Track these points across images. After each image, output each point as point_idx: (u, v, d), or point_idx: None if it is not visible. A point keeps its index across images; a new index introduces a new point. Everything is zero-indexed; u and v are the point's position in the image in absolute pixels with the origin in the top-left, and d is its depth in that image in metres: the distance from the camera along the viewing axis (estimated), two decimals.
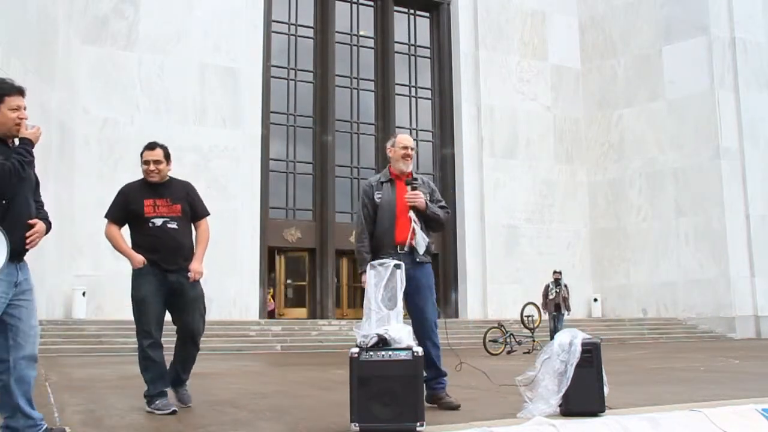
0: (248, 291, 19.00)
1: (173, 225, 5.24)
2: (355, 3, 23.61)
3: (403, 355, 3.84)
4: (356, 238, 5.07)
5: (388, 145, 5.19)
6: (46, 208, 3.73)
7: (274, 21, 21.92)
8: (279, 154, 21.68)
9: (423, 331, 4.85)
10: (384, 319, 4.18)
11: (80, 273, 16.69)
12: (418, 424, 3.73)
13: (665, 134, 22.51)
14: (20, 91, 3.48)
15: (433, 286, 5.04)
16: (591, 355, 4.28)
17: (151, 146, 5.37)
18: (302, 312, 21.56)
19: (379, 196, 5.01)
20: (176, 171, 17.96)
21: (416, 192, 4.92)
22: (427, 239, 4.90)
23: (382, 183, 5.08)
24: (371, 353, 3.84)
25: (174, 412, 4.79)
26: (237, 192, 19.36)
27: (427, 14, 24.53)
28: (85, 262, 16.91)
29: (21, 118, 3.44)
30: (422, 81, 24.15)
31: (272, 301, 21.10)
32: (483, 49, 23.21)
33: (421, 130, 23.88)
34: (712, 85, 21.57)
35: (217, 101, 19.55)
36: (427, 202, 4.96)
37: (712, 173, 21.33)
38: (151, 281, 5.03)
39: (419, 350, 3.87)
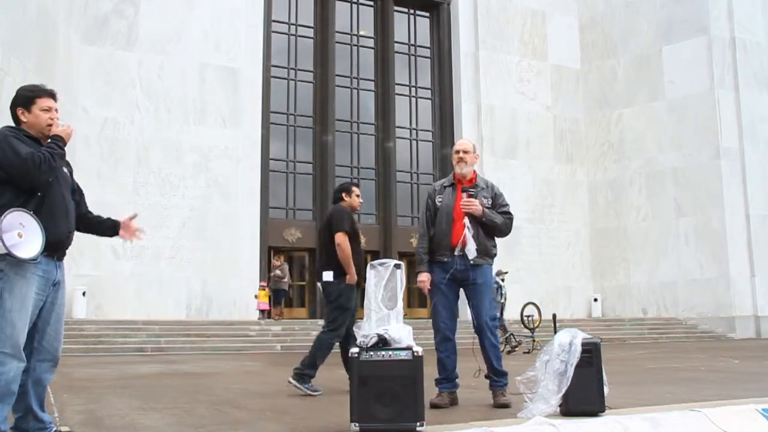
0: (248, 291, 18.97)
1: None
2: (355, 3, 23.61)
3: (403, 355, 3.84)
4: (418, 240, 5.31)
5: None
6: None
7: (274, 21, 21.91)
8: (279, 154, 21.67)
9: (479, 331, 5.09)
10: (384, 319, 4.19)
11: (80, 273, 16.69)
12: (417, 424, 3.74)
13: (665, 134, 22.50)
14: (51, 94, 3.64)
15: (490, 285, 5.20)
16: (591, 355, 4.28)
17: (358, 183, 6.56)
18: (302, 312, 21.55)
19: (440, 199, 5.20)
20: (176, 171, 18.25)
21: (471, 200, 5.05)
22: (474, 245, 4.99)
23: (444, 187, 5.27)
24: (371, 353, 3.84)
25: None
26: (237, 192, 19.34)
27: (427, 14, 24.53)
28: (85, 262, 16.91)
29: (52, 119, 3.59)
30: (422, 81, 24.14)
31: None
32: (483, 49, 23.20)
33: (421, 130, 23.89)
34: (712, 85, 21.56)
35: (217, 101, 19.54)
36: (485, 209, 5.06)
37: (712, 173, 21.32)
38: (355, 295, 6.11)
39: (419, 350, 3.88)
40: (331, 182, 21.68)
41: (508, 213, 5.20)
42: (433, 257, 5.10)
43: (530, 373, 4.40)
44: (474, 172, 5.29)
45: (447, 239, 5.04)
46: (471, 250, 4.97)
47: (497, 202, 5.18)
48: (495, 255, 5.21)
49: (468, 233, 4.98)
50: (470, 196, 5.05)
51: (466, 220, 5.00)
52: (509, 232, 5.24)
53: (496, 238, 5.22)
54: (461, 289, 5.16)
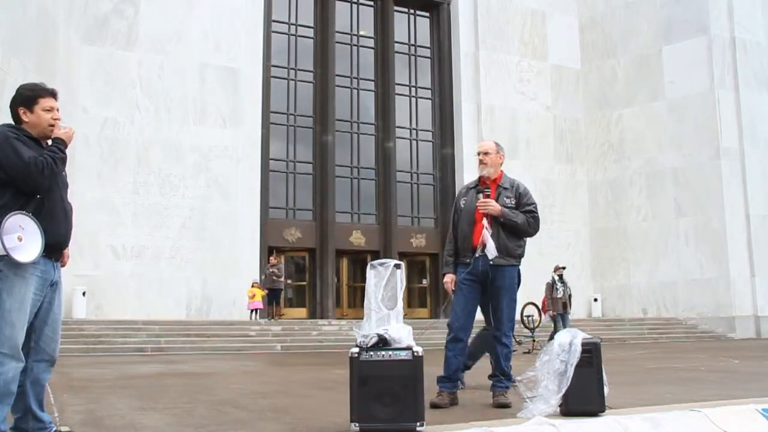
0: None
1: None
2: (355, 3, 23.60)
3: (403, 355, 3.84)
4: (447, 241, 5.37)
5: None
6: None
7: (274, 21, 21.92)
8: (279, 154, 21.67)
9: (494, 329, 5.16)
10: (384, 318, 4.19)
11: (80, 273, 16.69)
12: (417, 424, 3.73)
13: (665, 134, 22.50)
14: (52, 94, 3.58)
15: (513, 288, 5.20)
16: (591, 355, 4.28)
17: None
18: (302, 312, 21.57)
19: (464, 202, 5.26)
20: (176, 171, 18.25)
21: (487, 200, 5.06)
22: (494, 245, 4.98)
23: (469, 189, 5.32)
24: (371, 353, 3.84)
25: None
26: (237, 192, 19.35)
27: (427, 14, 24.53)
28: (85, 262, 16.91)
29: (55, 119, 3.54)
30: (422, 81, 24.14)
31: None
32: (483, 49, 23.21)
33: (421, 130, 23.88)
34: (712, 85, 21.56)
35: (217, 101, 19.54)
36: (503, 208, 5.05)
37: (712, 173, 21.31)
38: None
39: (419, 350, 3.87)
40: (331, 182, 21.69)
41: (532, 212, 5.17)
42: (458, 259, 5.19)
43: (530, 373, 4.40)
44: (500, 172, 5.31)
45: (469, 240, 5.11)
46: (491, 250, 5.00)
47: (521, 202, 5.17)
48: (520, 255, 5.19)
49: (486, 233, 5.01)
50: (486, 196, 5.07)
51: (485, 221, 5.04)
52: (535, 231, 5.19)
53: (524, 237, 5.21)
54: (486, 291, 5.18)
